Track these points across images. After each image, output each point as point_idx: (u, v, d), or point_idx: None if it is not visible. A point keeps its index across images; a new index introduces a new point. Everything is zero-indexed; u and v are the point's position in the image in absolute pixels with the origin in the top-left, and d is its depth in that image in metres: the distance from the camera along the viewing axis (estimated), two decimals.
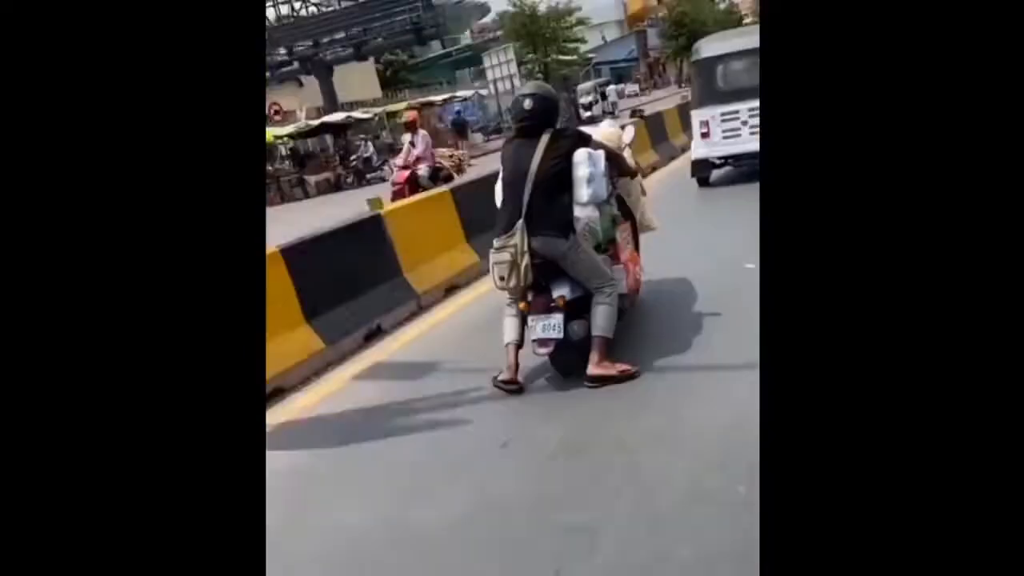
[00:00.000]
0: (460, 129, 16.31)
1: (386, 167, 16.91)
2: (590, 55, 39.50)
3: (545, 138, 2.83)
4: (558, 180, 2.81)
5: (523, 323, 2.88)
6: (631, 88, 40.97)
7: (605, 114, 24.61)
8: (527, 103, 2.91)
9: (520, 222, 2.76)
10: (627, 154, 3.46)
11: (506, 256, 2.75)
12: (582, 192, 2.86)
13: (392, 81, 37.81)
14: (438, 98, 23.53)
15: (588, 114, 24.96)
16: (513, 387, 2.84)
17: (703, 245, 4.83)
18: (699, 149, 6.90)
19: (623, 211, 3.50)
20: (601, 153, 2.95)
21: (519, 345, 2.86)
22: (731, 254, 4.21)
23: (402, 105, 23.05)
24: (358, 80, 30.45)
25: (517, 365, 2.85)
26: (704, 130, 6.77)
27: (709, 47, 7.09)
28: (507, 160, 2.99)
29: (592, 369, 2.75)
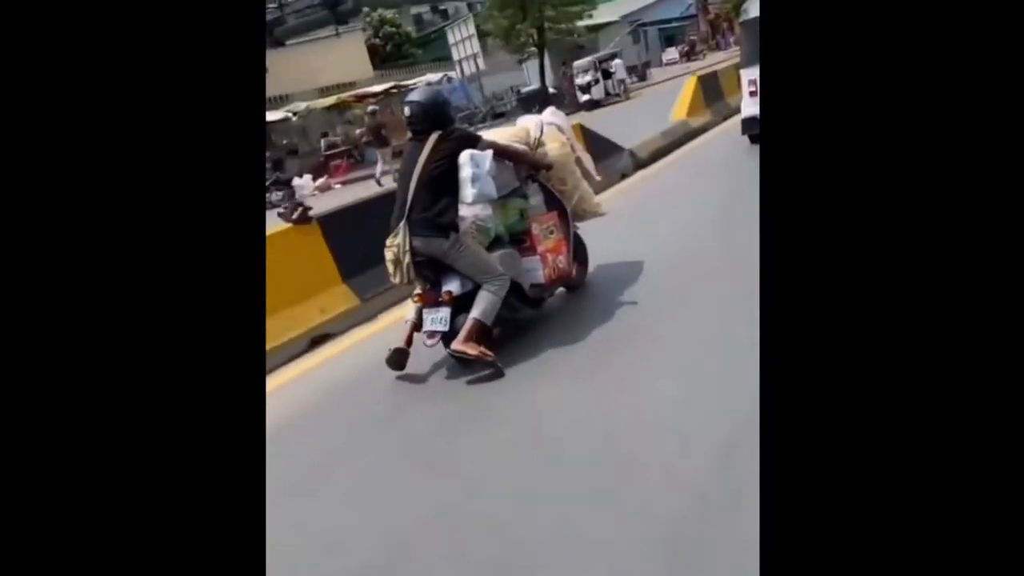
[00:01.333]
0: (375, 131, 15.34)
1: (277, 191, 15.61)
2: (619, 18, 40.45)
3: (431, 141, 3.86)
4: (441, 181, 3.82)
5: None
6: (671, 54, 40.87)
7: (609, 96, 25.34)
8: (406, 109, 4.01)
9: (403, 223, 3.81)
10: (554, 145, 4.45)
11: (390, 255, 3.86)
12: (467, 192, 3.83)
13: (394, 56, 38.15)
14: (374, 89, 23.23)
15: (586, 97, 25.50)
16: (400, 355, 4.01)
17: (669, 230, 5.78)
18: (748, 108, 8.71)
19: (552, 202, 4.50)
20: (487, 153, 3.94)
21: (415, 326, 4.00)
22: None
23: (330, 99, 23.10)
24: (346, 57, 29.71)
25: (410, 339, 4.04)
26: (752, 88, 8.55)
27: (756, 5, 8.63)
28: (401, 161, 4.09)
29: (455, 344, 3.77)
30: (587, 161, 4.90)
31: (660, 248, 5.22)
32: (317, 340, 5.12)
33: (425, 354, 4.02)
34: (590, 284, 4.84)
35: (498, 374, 3.68)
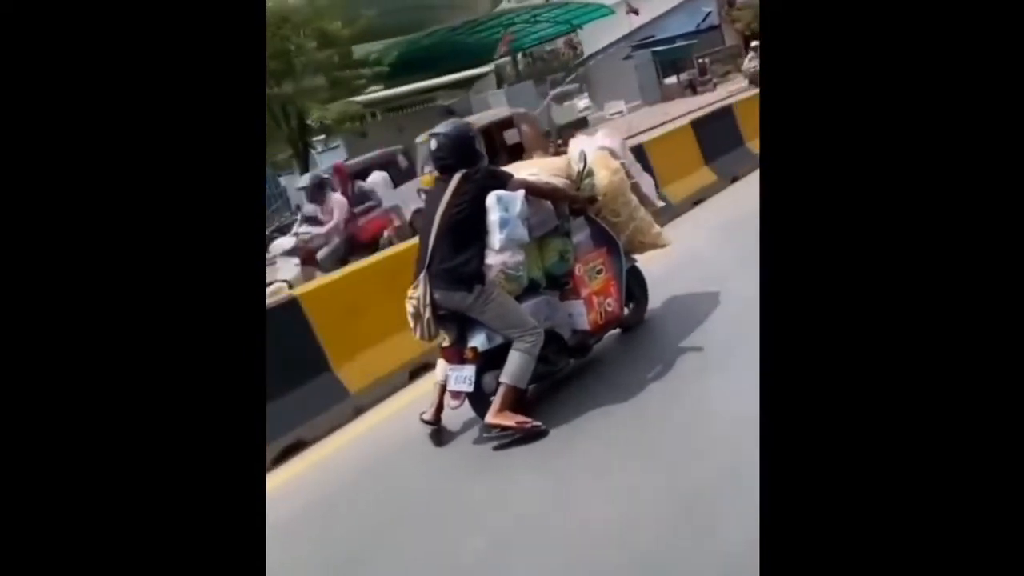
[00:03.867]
0: None
1: None
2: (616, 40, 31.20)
3: (454, 181, 3.51)
4: (463, 228, 3.48)
5: None
6: (616, 106, 27.46)
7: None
8: (432, 143, 3.64)
9: (423, 274, 3.49)
10: (604, 173, 4.05)
11: (410, 308, 3.55)
12: (494, 238, 3.48)
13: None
14: None
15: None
16: (432, 425, 3.74)
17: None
18: None
19: (601, 238, 4.10)
20: (518, 194, 3.56)
21: (445, 387, 3.64)
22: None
23: None
24: None
25: (440, 406, 3.72)
26: None
27: None
28: (425, 204, 3.78)
29: (489, 416, 3.44)
30: (646, 186, 4.45)
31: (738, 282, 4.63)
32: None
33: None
34: (650, 323, 4.39)
35: (540, 435, 3.35)
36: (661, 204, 4.74)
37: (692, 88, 28.27)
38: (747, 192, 6.80)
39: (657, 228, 4.37)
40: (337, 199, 7.58)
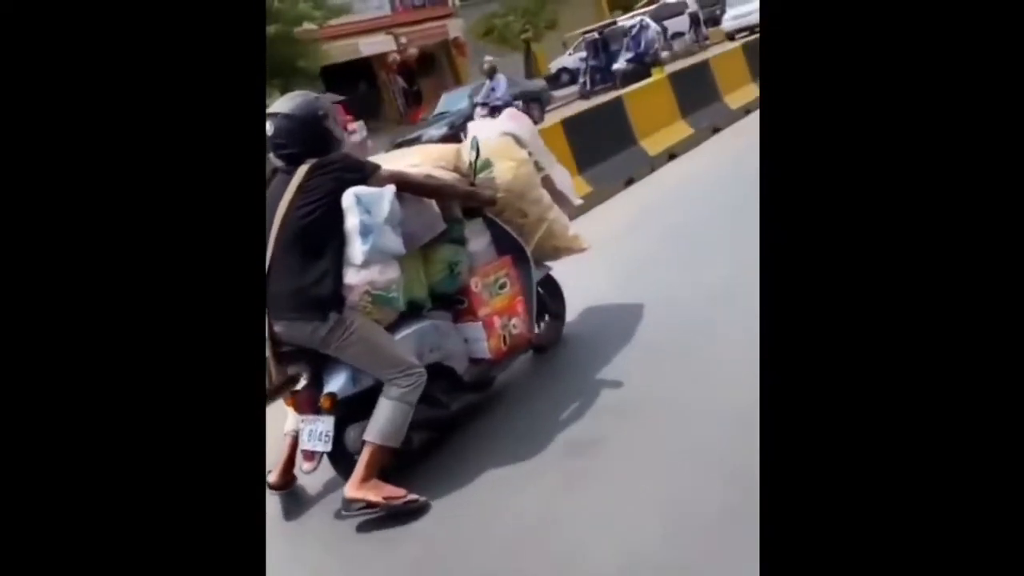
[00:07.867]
0: None
1: None
2: None
3: (299, 174, 2.68)
4: (312, 235, 2.66)
5: None
6: None
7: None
8: (269, 125, 2.75)
9: None
10: (508, 164, 3.33)
11: None
12: (355, 249, 2.66)
13: None
14: None
15: None
16: (280, 490, 2.98)
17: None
18: None
19: (505, 244, 3.37)
20: (385, 191, 2.74)
21: (296, 441, 2.88)
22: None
23: None
24: None
25: (291, 462, 2.95)
26: None
27: None
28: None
29: (349, 489, 2.64)
30: (560, 179, 3.79)
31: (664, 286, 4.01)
32: None
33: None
34: (568, 342, 3.69)
35: (419, 510, 2.58)
36: (579, 201, 4.09)
37: None
38: None
39: (573, 231, 3.67)
40: None
